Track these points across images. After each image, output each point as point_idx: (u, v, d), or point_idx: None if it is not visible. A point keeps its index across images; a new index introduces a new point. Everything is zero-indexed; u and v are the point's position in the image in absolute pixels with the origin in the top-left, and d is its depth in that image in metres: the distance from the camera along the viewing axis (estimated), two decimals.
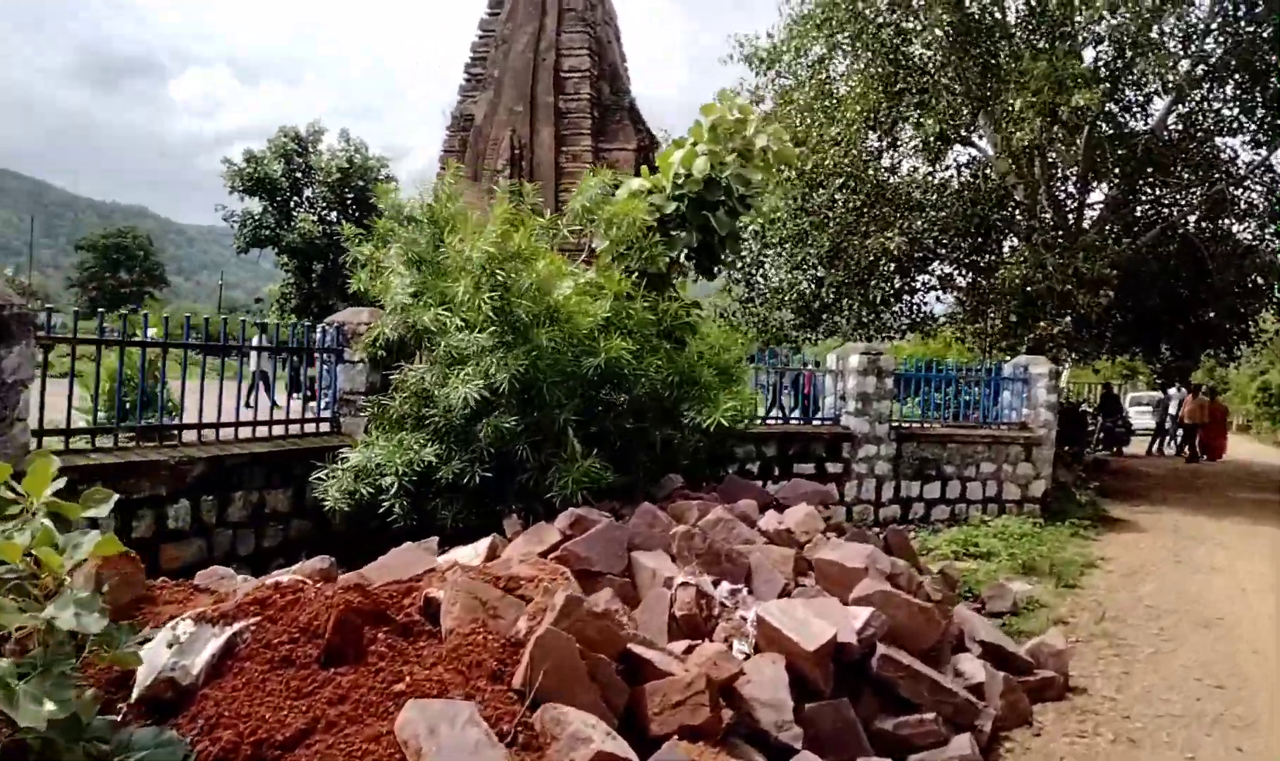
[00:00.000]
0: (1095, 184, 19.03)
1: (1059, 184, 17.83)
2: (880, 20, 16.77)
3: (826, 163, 17.27)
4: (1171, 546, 11.42)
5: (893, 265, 17.43)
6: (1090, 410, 25.64)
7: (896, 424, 11.66)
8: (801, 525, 5.92)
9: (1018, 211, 17.87)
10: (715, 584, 5.09)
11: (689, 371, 6.79)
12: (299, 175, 39.42)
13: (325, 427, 7.91)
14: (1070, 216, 18.50)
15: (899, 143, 17.94)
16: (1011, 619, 7.53)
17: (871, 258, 17.18)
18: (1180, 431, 25.59)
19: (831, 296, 18.28)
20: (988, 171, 18.76)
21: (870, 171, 17.63)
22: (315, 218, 38.65)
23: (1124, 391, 39.77)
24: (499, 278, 6.01)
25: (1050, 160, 18.01)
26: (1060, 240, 16.07)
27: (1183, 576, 9.68)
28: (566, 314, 6.22)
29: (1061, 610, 8.01)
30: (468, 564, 5.33)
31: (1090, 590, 8.85)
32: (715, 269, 7.94)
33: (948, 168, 18.86)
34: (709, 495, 7.15)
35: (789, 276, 19.92)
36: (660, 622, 4.82)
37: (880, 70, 16.97)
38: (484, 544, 5.62)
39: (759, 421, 10.93)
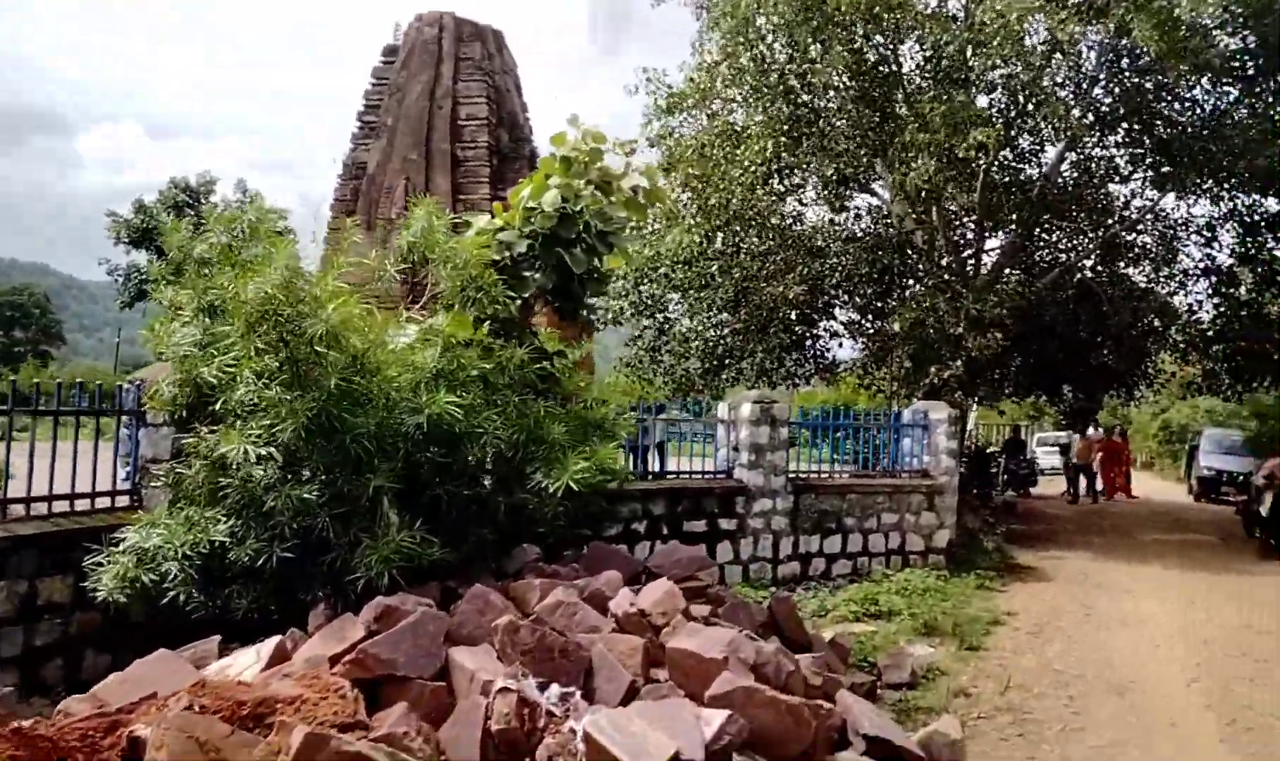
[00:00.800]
0: (992, 230, 19.01)
1: (956, 230, 17.68)
2: (779, 70, 16.56)
3: (730, 205, 16.82)
4: (1080, 596, 10.92)
5: (794, 312, 16.97)
6: (997, 452, 25.57)
7: (793, 475, 10.96)
8: (660, 605, 5.07)
9: (917, 257, 17.65)
10: (544, 687, 4.19)
11: (534, 429, 5.93)
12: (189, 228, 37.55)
13: (125, 502, 6.80)
14: (968, 262, 18.41)
15: (801, 187, 17.62)
16: (908, 693, 6.79)
17: (772, 303, 16.70)
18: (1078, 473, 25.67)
19: (735, 343, 17.73)
20: (888, 218, 18.60)
21: (773, 218, 17.22)
22: None
23: (1031, 433, 40.31)
24: (279, 321, 5.08)
25: (947, 206, 17.89)
26: (953, 284, 15.82)
27: (1092, 632, 9.12)
28: (376, 364, 5.32)
29: (963, 678, 7.30)
30: (239, 674, 4.34)
31: (995, 652, 8.19)
32: (578, 312, 7.13)
33: (850, 214, 18.63)
34: (568, 568, 6.27)
35: (694, 323, 19.39)
36: (472, 742, 3.91)
37: (780, 114, 16.69)
38: (269, 645, 4.63)
39: (646, 477, 10.12)
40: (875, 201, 18.95)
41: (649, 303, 18.47)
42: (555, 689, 4.17)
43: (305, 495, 5.15)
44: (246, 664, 4.49)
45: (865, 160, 16.41)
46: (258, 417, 5.09)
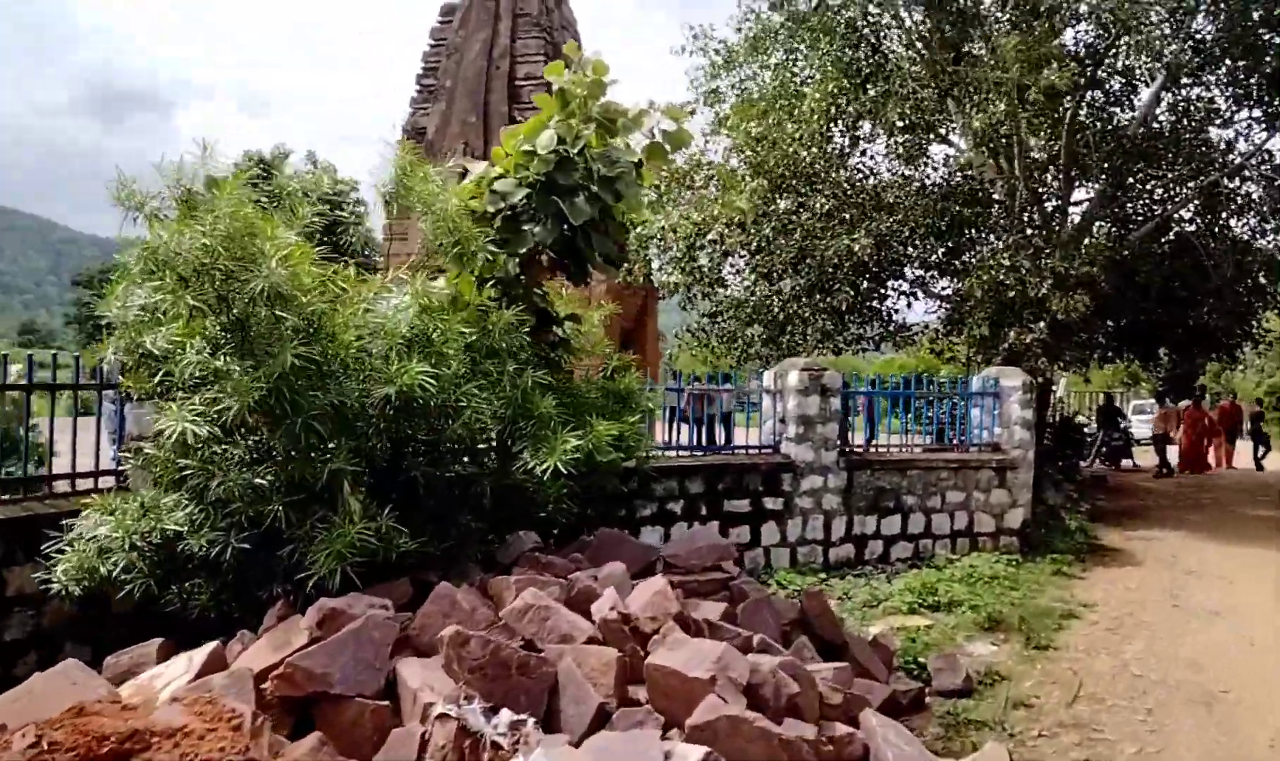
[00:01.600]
0: (1080, 180, 17.53)
1: (1038, 180, 16.29)
2: (840, 4, 15.50)
3: (792, 163, 15.88)
4: (1168, 583, 9.86)
5: (858, 271, 15.90)
6: (1086, 422, 24.03)
7: (847, 450, 10.12)
8: (649, 608, 4.39)
9: (995, 210, 16.37)
10: (493, 712, 3.57)
11: (522, 403, 5.27)
12: (262, 201, 38.10)
13: (109, 482, 6.43)
14: (1053, 215, 17.03)
15: (866, 138, 16.49)
16: (961, 703, 5.98)
17: (836, 261, 15.67)
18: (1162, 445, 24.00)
19: (796, 307, 16.75)
20: (966, 168, 17.34)
21: (836, 171, 16.15)
22: None
23: (1126, 400, 38.09)
24: (217, 277, 4.52)
25: (1029, 154, 16.54)
26: (1035, 239, 14.56)
27: (1179, 626, 8.11)
28: (333, 329, 4.73)
29: (1027, 684, 6.45)
30: (165, 686, 3.84)
31: (1066, 652, 7.28)
32: (586, 270, 6.42)
33: (920, 165, 17.40)
34: (569, 558, 5.65)
35: (752, 288, 18.48)
36: None
37: (843, 58, 15.63)
38: (203, 653, 4.13)
39: (680, 452, 9.43)
40: (950, 151, 17.68)
41: (705, 271, 17.58)
42: (505, 715, 3.54)
43: (259, 479, 4.63)
44: (176, 674, 3.99)
45: (935, 103, 15.18)
46: (203, 392, 4.57)
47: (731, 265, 19.07)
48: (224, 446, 4.94)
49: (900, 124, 15.29)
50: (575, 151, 5.84)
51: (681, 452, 9.45)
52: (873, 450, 10.63)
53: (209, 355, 4.66)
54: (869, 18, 15.66)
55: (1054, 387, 23.85)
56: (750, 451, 9.84)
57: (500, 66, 25.58)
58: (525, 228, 5.95)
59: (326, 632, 4.01)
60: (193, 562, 4.92)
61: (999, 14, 15.76)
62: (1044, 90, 13.09)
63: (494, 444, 5.36)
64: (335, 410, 4.60)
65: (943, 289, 17.45)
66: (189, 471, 4.92)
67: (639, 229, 18.31)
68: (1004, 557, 10.28)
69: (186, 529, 4.77)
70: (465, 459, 5.41)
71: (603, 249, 6.15)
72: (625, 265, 18.26)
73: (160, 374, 4.78)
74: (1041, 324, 12.99)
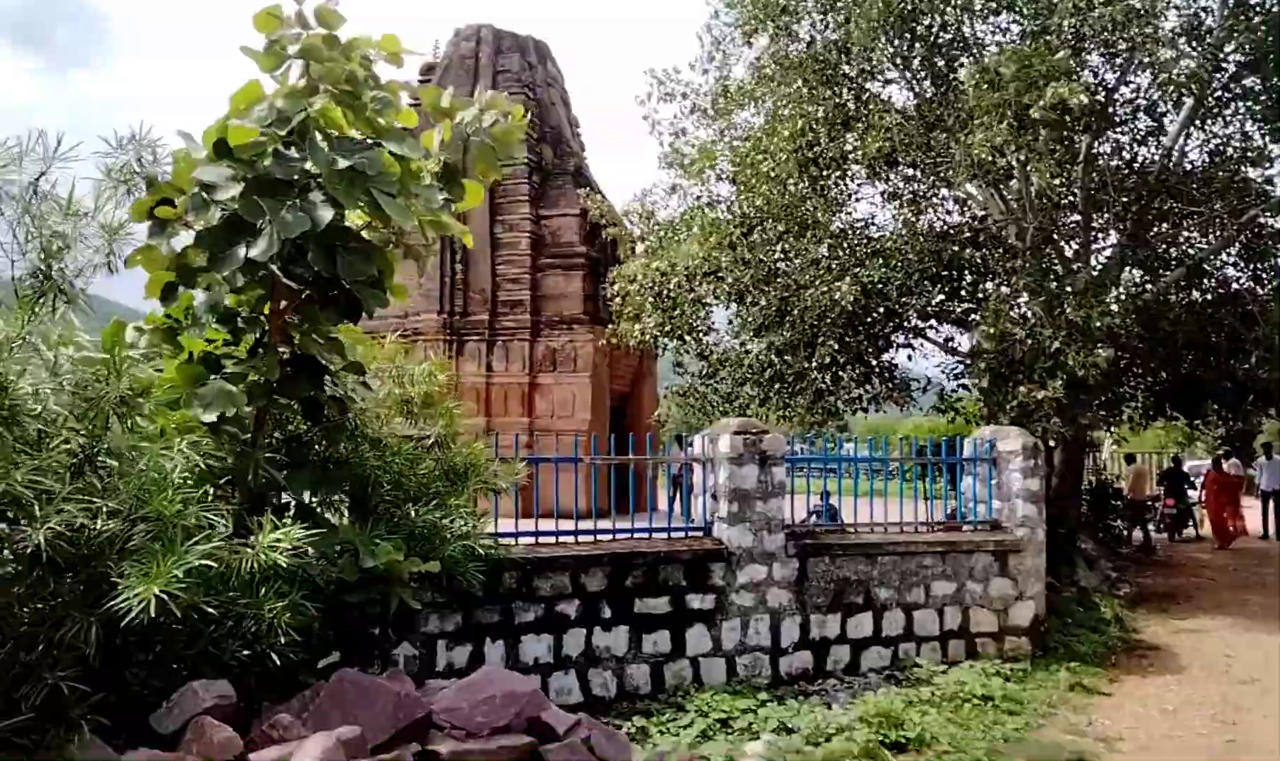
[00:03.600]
0: (1100, 220, 15.55)
1: (1047, 216, 14.30)
2: (815, 45, 14.09)
3: (757, 202, 14.25)
4: (1219, 701, 7.60)
5: (846, 321, 14.00)
6: (1123, 487, 21.49)
7: (793, 528, 8.08)
8: None
9: (1000, 252, 14.44)
10: None
11: (137, 503, 3.41)
12: None
13: None
14: (1074, 259, 15.03)
15: (847, 176, 14.72)
16: None
17: (819, 311, 13.82)
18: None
19: (783, 362, 14.87)
20: (964, 205, 15.52)
21: (814, 213, 14.36)
22: None
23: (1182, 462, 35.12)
24: None
25: (1038, 188, 14.63)
26: (1047, 284, 12.60)
27: None
28: None
29: None
30: None
31: None
32: (355, 304, 4.61)
33: (917, 205, 15.56)
34: (271, 722, 3.73)
35: (747, 343, 16.65)
36: None
37: (816, 94, 14.04)
38: None
39: (572, 538, 7.47)
40: (947, 191, 15.83)
41: (677, 324, 15.77)
42: None
43: None
44: None
45: (921, 136, 13.40)
46: None
47: (720, 318, 17.50)
48: None
49: (879, 158, 13.52)
50: (285, 133, 4.08)
51: (577, 538, 7.48)
52: (833, 531, 8.54)
53: None
54: (848, 53, 14.09)
55: (1094, 449, 21.50)
56: (673, 535, 7.84)
57: None
58: (241, 240, 4.16)
59: None
60: None
61: (995, 37, 14.15)
62: (1051, 107, 11.25)
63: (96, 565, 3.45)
64: None
65: (946, 339, 15.49)
66: None
67: (617, 285, 16.74)
68: (1006, 666, 8.12)
69: None
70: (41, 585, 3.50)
71: (351, 274, 4.32)
72: (616, 321, 16.79)
73: None
74: (1058, 381, 10.94)
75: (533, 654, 6.88)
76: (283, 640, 3.83)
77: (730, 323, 16.89)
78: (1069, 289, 12.62)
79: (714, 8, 16.01)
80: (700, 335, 16.91)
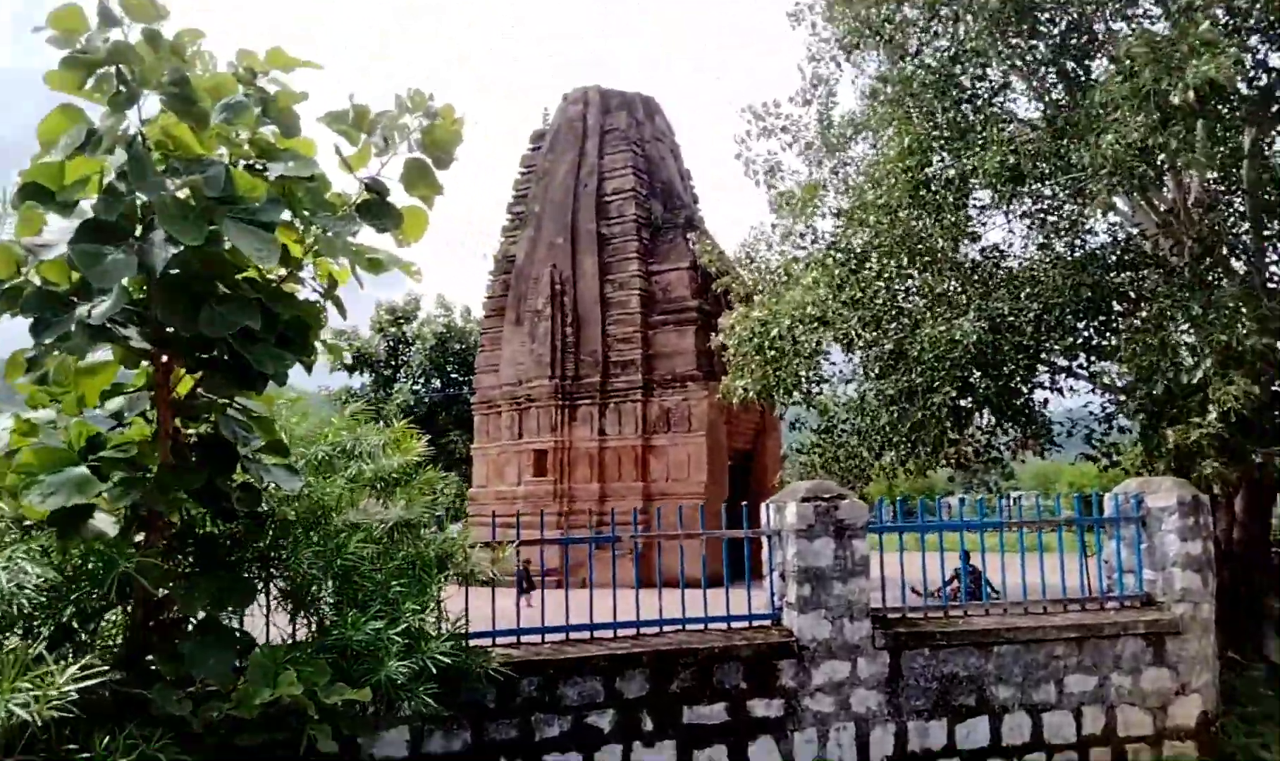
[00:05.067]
0: (1270, 224, 13.28)
1: (1204, 224, 12.23)
2: (923, 54, 12.81)
3: (865, 235, 13.00)
4: None
5: (970, 362, 12.38)
6: None
7: (882, 612, 6.70)
8: None
9: (1151, 272, 12.49)
10: None
11: None
12: (395, 346, 38.54)
13: None
14: (1248, 275, 12.85)
15: (965, 198, 13.19)
16: None
17: (938, 352, 12.28)
18: None
19: (897, 411, 13.35)
20: (1105, 224, 13.65)
21: (930, 242, 12.91)
22: (411, 386, 37.46)
23: None
24: None
25: (1195, 196, 12.63)
26: (1191, 303, 10.65)
27: None
28: None
29: None
30: None
31: None
32: (249, 371, 3.80)
33: (1035, 222, 13.83)
34: None
35: (855, 393, 15.23)
36: None
37: (923, 106, 12.72)
38: None
39: (618, 629, 6.40)
40: (1088, 211, 13.97)
41: (782, 378, 14.52)
42: None
43: None
44: None
45: (1049, 145, 11.78)
46: None
47: (833, 368, 16.20)
48: None
49: (1004, 174, 11.94)
50: (108, 147, 3.31)
51: (615, 633, 6.41)
52: (928, 616, 7.05)
53: None
54: (960, 59, 12.70)
55: None
56: (733, 625, 6.63)
57: (588, 184, 24.02)
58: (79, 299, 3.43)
59: None
60: None
61: (1129, 27, 12.40)
62: (1197, 91, 9.53)
63: None
64: None
65: (1095, 375, 13.50)
66: None
67: (719, 338, 15.76)
68: None
69: None
70: None
71: (218, 329, 3.48)
72: (725, 379, 15.83)
73: None
74: (1211, 416, 9.05)
75: None
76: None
77: (840, 371, 15.54)
78: (1227, 307, 10.58)
79: (811, 21, 14.93)
80: (810, 386, 15.58)
